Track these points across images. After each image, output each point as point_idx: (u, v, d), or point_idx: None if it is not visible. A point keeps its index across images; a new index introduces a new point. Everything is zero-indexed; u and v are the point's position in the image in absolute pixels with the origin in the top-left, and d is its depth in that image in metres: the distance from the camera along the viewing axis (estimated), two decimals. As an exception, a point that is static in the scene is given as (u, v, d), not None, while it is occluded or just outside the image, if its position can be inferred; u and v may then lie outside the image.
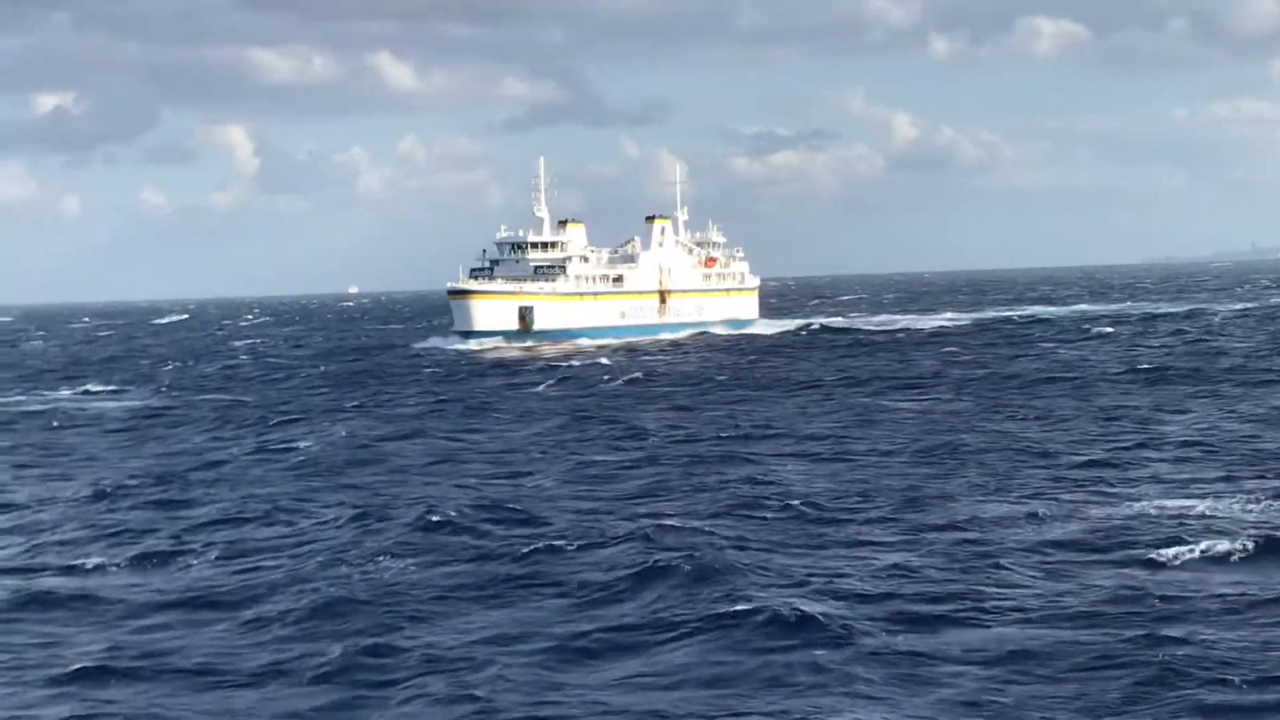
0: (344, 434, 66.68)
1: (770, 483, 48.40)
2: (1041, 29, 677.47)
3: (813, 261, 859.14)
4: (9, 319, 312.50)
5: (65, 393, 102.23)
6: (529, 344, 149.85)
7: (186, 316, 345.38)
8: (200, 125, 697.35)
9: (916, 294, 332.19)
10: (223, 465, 58.52)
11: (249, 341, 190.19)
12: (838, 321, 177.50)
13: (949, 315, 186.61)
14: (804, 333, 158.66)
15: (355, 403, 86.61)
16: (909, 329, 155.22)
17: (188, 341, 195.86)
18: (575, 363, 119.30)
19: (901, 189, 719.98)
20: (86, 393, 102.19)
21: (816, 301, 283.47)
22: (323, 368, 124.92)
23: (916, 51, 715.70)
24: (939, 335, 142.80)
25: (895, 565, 35.02)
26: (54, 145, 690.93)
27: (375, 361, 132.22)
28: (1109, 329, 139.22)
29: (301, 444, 64.31)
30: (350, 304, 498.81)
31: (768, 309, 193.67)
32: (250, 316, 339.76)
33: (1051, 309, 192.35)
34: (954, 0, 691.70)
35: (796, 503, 43.77)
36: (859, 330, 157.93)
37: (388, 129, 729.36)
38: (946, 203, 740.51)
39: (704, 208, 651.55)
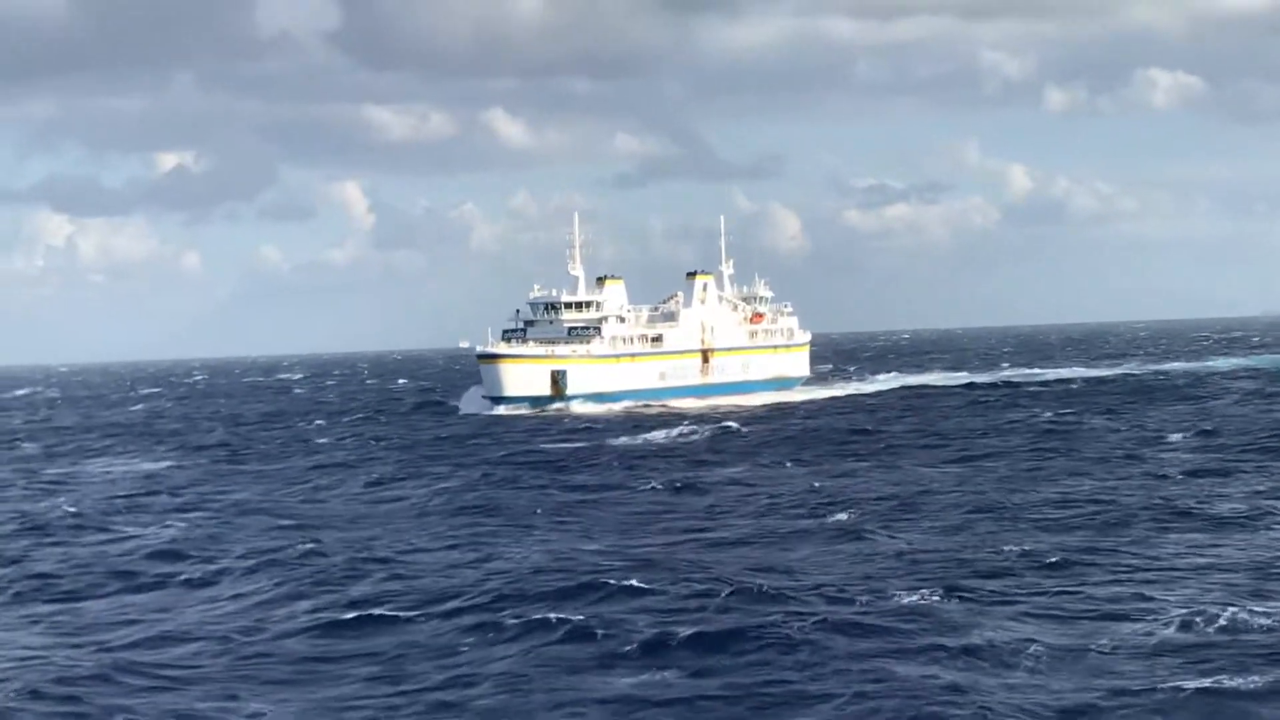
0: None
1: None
2: (1158, 80, 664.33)
3: (926, 315, 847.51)
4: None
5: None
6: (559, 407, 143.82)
7: (301, 376, 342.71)
8: (318, 182, 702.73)
9: (1038, 348, 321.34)
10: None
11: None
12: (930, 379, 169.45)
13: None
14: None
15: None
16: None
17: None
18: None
19: (1016, 241, 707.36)
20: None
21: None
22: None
23: (1032, 103, 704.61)
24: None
25: None
26: (175, 203, 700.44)
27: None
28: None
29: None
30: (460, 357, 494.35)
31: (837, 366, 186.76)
32: (333, 374, 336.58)
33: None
34: (1070, 52, 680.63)
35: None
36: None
37: (500, 185, 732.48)
38: (1062, 255, 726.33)
39: (818, 261, 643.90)
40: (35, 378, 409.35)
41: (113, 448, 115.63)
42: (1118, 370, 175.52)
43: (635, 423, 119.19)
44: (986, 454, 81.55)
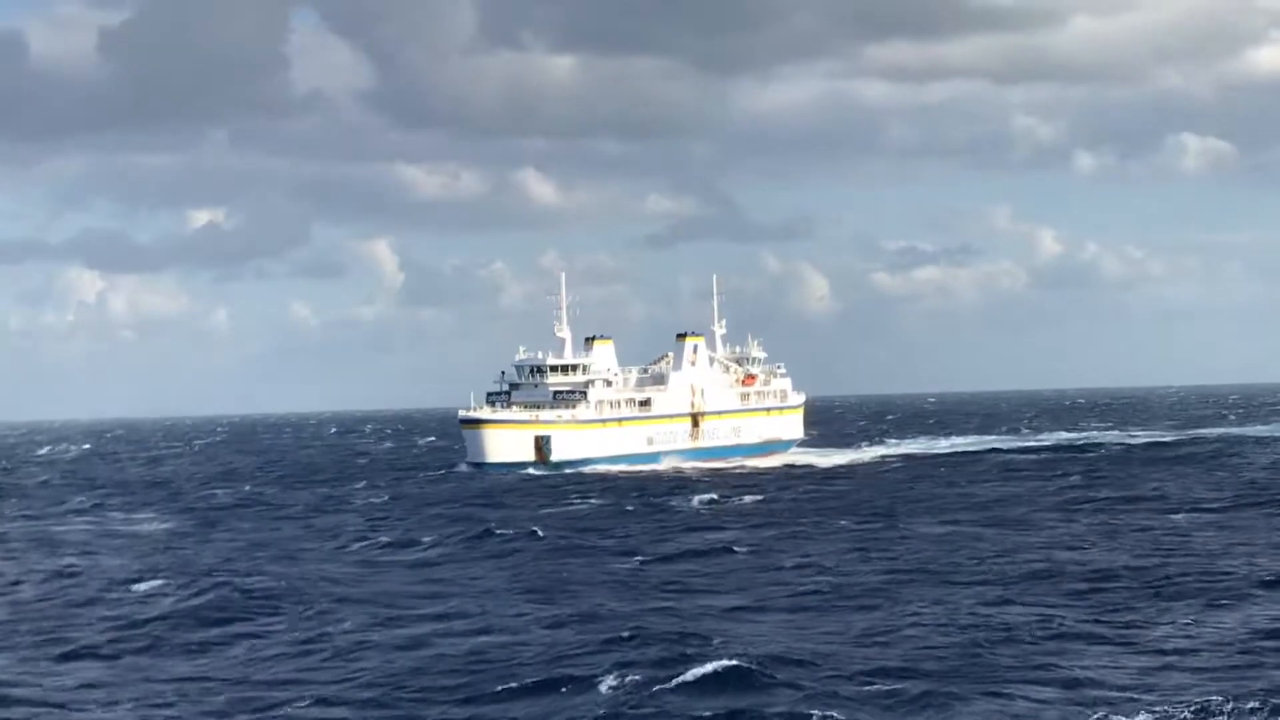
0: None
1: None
2: (1188, 145, 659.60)
3: (954, 378, 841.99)
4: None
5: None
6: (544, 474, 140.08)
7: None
8: (349, 240, 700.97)
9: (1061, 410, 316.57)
10: None
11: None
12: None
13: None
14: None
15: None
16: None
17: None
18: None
19: (1045, 305, 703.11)
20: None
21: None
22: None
23: (1062, 167, 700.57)
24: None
25: None
26: (205, 260, 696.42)
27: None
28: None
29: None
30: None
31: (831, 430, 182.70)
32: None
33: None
34: (1101, 117, 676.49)
35: None
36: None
37: (530, 244, 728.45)
38: (1092, 319, 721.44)
39: (847, 322, 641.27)
40: (69, 432, 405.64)
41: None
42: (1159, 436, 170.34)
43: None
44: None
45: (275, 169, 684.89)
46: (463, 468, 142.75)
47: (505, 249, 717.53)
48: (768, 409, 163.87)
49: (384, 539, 77.55)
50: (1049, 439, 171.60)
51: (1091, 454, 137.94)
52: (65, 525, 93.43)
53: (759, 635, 44.51)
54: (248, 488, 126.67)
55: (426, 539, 76.35)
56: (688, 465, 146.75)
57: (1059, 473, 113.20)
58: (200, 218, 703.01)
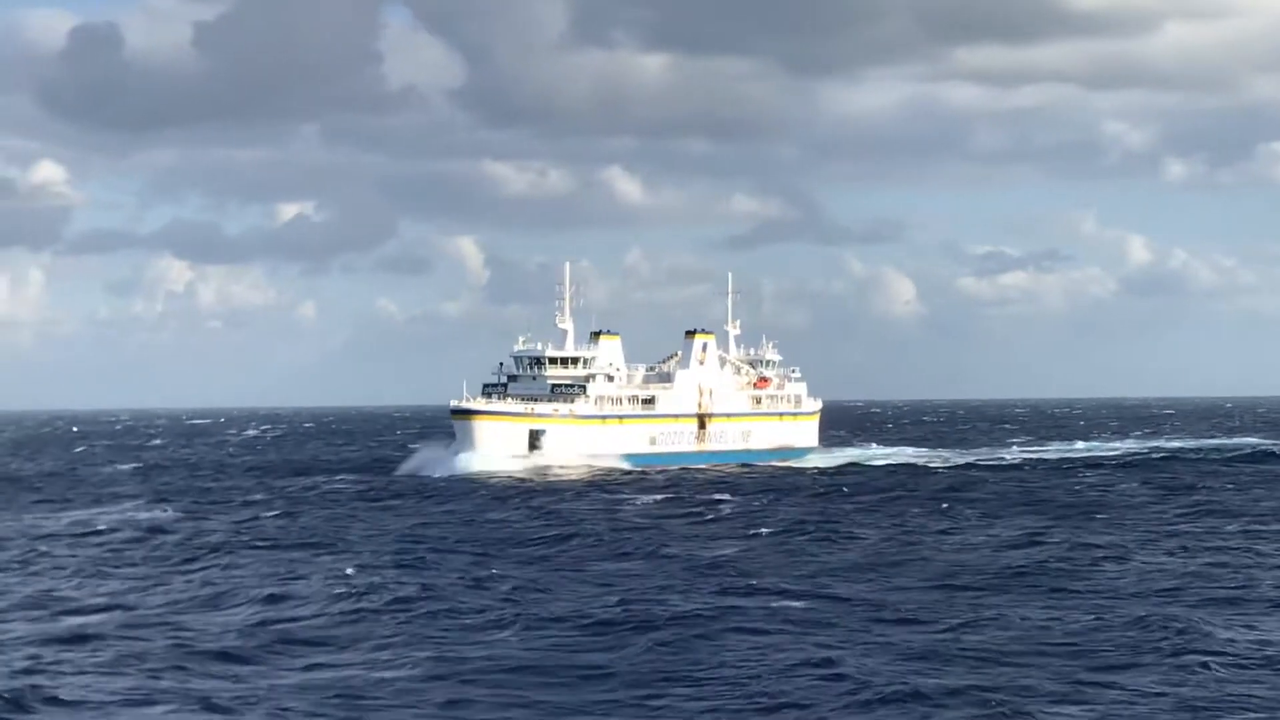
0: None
1: None
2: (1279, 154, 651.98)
3: (1040, 384, 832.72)
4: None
5: None
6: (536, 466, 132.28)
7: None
8: (435, 236, 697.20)
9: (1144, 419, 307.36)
10: None
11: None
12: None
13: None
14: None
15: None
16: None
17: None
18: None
19: (1133, 312, 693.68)
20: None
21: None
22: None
23: (1151, 174, 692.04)
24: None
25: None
26: (293, 253, 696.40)
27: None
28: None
29: None
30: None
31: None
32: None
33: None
34: (1192, 125, 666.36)
35: None
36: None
37: (615, 242, 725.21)
38: (1180, 327, 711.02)
39: (932, 327, 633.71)
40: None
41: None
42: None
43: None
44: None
45: (365, 164, 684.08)
46: (430, 466, 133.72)
47: (590, 247, 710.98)
48: (780, 414, 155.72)
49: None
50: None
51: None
52: None
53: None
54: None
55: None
56: (691, 469, 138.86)
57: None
58: (289, 211, 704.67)
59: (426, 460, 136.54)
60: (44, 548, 72.69)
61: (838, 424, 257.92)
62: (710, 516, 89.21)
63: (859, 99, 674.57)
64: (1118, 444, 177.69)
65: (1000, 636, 45.89)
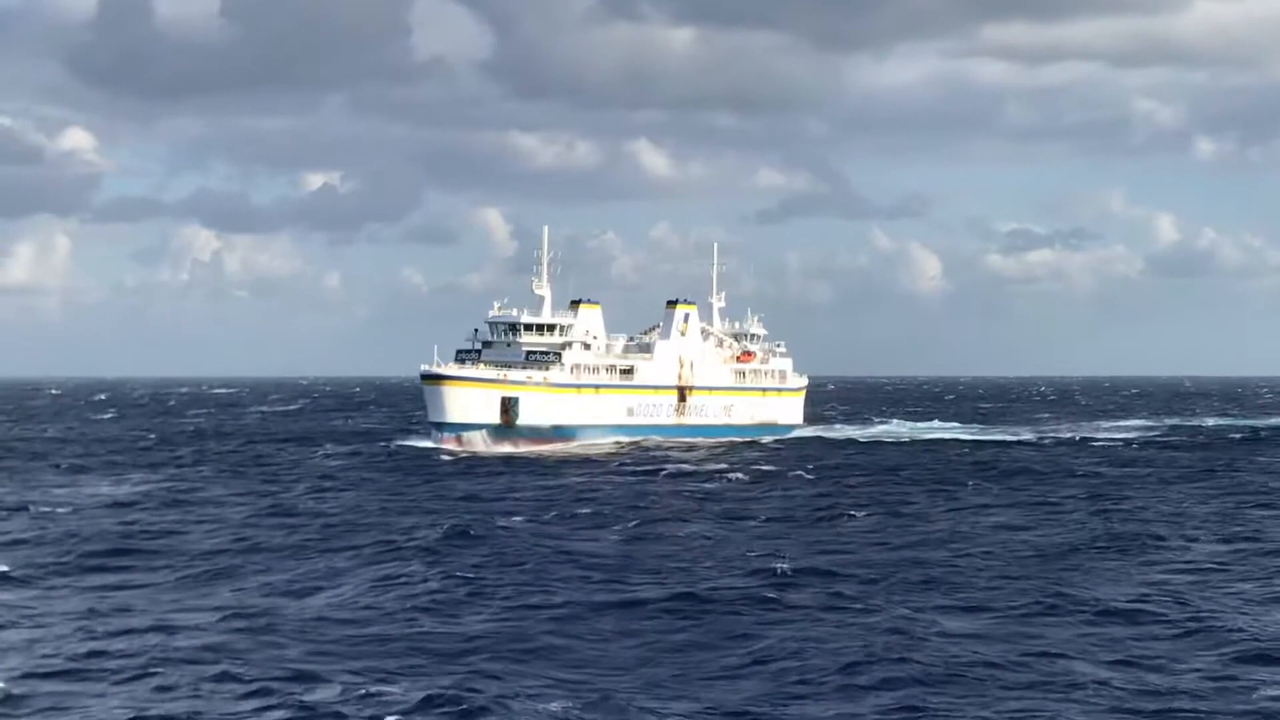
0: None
1: None
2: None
3: (1065, 362, 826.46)
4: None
5: None
6: (511, 441, 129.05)
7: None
8: (462, 207, 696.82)
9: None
10: None
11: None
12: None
13: None
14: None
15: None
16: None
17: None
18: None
19: (1160, 291, 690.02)
20: None
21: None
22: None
23: (1180, 152, 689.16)
24: None
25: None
26: (319, 222, 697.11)
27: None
28: None
29: None
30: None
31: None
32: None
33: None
34: (1222, 103, 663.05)
35: None
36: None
37: (641, 215, 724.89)
38: (1207, 307, 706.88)
39: (957, 302, 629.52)
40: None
41: None
42: None
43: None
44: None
45: (392, 134, 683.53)
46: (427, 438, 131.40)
47: (617, 220, 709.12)
48: (764, 389, 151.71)
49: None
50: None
51: None
52: None
53: None
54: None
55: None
56: (670, 443, 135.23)
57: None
58: (316, 180, 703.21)
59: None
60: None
61: (857, 400, 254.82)
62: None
63: (887, 74, 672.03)
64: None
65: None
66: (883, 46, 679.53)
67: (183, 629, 42.38)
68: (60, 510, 73.43)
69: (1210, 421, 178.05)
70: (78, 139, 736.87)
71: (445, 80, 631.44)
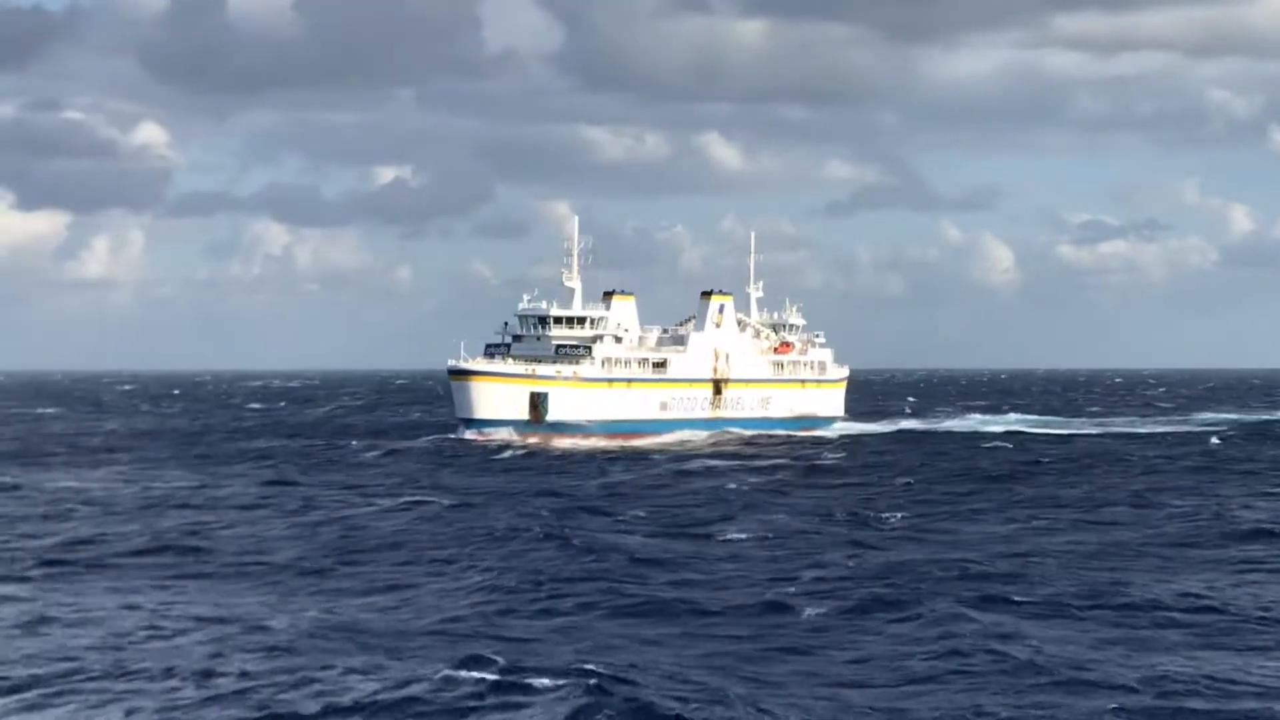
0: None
1: None
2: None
3: (1139, 354, 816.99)
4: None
5: None
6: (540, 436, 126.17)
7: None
8: (531, 200, 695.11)
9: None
10: None
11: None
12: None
13: None
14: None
15: None
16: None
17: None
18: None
19: (1235, 283, 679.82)
20: None
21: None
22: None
23: (1255, 143, 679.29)
24: None
25: None
26: (390, 216, 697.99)
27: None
28: None
29: None
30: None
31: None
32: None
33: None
34: None
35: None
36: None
37: (711, 208, 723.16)
38: None
39: (1029, 294, 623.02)
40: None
41: None
42: None
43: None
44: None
45: (462, 128, 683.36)
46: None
47: (685, 213, 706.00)
48: (803, 381, 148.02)
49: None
50: None
51: None
52: None
53: None
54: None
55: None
56: (705, 436, 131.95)
57: None
58: (386, 175, 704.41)
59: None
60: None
61: (929, 393, 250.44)
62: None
63: (958, 65, 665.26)
64: None
65: None
66: (953, 38, 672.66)
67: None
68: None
69: None
70: (151, 134, 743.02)
71: (515, 74, 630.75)
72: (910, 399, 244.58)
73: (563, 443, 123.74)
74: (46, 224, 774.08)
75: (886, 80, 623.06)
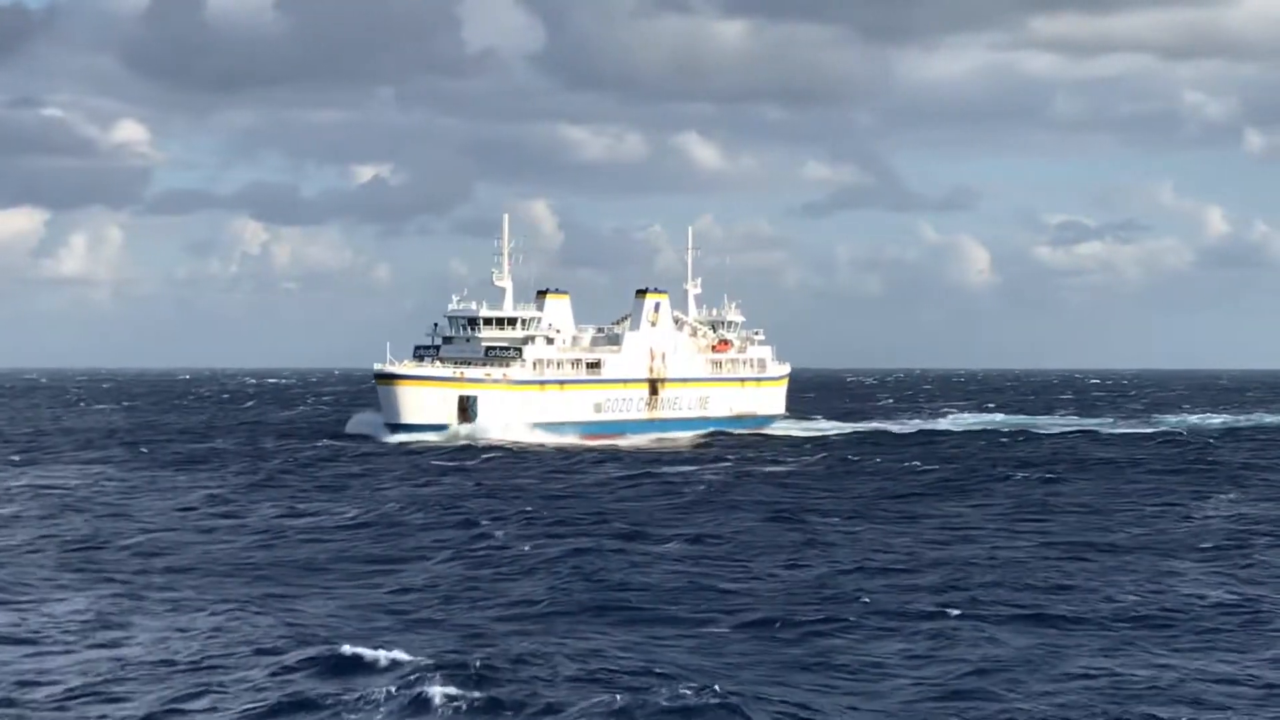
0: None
1: None
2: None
3: (1115, 355, 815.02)
4: None
5: None
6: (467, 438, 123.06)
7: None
8: (510, 199, 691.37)
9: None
10: None
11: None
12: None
13: None
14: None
15: None
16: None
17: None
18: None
19: (1211, 284, 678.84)
20: None
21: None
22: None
23: (1231, 145, 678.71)
24: None
25: None
26: (369, 215, 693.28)
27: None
28: None
29: None
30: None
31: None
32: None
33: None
34: (1273, 95, 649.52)
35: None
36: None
37: (688, 208, 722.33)
38: (1258, 299, 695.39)
39: (1005, 295, 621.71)
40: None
41: None
42: None
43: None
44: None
45: (442, 127, 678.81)
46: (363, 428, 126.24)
47: (663, 212, 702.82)
48: (742, 379, 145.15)
49: None
50: None
51: None
52: None
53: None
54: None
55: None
56: (642, 439, 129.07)
57: None
58: (366, 173, 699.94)
59: (363, 423, 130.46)
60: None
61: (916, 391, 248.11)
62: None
63: (935, 66, 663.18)
64: None
65: None
66: (931, 39, 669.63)
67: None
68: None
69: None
70: (130, 131, 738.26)
71: (495, 73, 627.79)
72: (886, 399, 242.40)
73: (491, 446, 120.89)
74: (25, 221, 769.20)
75: (865, 81, 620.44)
